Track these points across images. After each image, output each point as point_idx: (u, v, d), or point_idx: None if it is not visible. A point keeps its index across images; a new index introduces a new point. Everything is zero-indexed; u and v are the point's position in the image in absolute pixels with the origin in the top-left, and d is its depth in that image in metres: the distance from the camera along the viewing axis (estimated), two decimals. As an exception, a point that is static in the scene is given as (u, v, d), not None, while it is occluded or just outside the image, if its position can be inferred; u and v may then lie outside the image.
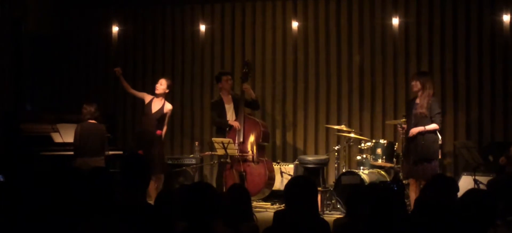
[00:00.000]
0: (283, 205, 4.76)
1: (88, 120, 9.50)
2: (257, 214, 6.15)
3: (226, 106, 10.23)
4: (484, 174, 9.56)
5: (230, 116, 10.16)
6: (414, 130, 8.71)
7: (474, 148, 9.54)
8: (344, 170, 10.15)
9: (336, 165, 10.35)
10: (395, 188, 4.46)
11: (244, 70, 10.27)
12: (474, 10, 10.72)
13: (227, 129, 10.04)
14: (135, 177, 4.50)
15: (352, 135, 10.29)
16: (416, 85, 8.82)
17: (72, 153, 9.60)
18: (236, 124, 10.00)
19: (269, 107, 11.62)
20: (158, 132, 9.68)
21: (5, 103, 11.38)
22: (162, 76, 11.87)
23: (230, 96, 10.22)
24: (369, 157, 10.04)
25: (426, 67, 10.62)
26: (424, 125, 8.70)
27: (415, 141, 8.74)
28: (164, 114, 9.74)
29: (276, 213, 4.70)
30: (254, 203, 9.76)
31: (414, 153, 8.72)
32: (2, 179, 9.13)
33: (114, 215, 4.05)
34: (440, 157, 9.14)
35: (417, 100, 8.85)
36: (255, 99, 10.41)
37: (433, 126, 8.73)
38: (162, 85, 9.80)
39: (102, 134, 9.62)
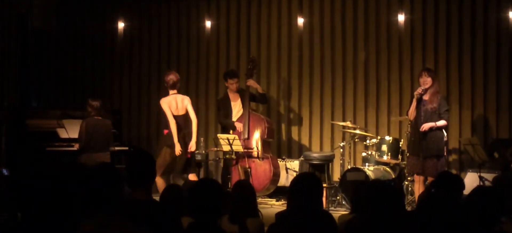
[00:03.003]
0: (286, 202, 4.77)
1: (94, 115, 9.51)
2: (262, 210, 6.15)
3: (232, 103, 10.26)
4: (489, 171, 9.56)
5: (237, 112, 10.19)
6: (427, 125, 8.74)
7: (479, 144, 9.53)
8: (349, 167, 10.16)
9: (341, 161, 10.36)
10: (392, 184, 4.45)
11: (249, 66, 10.29)
12: (479, 6, 10.70)
13: (231, 131, 10.06)
14: (140, 172, 4.51)
15: (357, 131, 10.29)
16: (427, 80, 8.82)
17: (77, 148, 9.63)
18: (239, 125, 10.02)
19: (274, 103, 11.62)
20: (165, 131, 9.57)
21: (11, 99, 11.40)
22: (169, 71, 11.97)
23: (237, 93, 10.24)
24: (374, 154, 10.03)
25: (432, 64, 10.61)
26: (434, 121, 8.75)
27: (426, 137, 8.75)
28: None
29: (278, 214, 4.70)
30: (259, 199, 9.76)
31: (425, 149, 8.73)
32: (6, 173, 9.18)
33: (120, 211, 4.06)
34: (445, 154, 9.15)
35: (426, 97, 8.86)
36: (263, 93, 10.43)
37: (443, 122, 8.82)
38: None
39: (108, 130, 9.63)
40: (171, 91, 9.36)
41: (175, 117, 9.25)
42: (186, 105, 9.36)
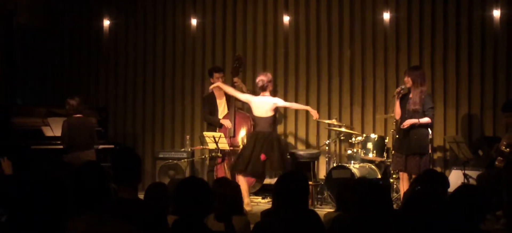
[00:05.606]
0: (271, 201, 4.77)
1: (73, 114, 9.53)
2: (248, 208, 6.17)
3: (218, 101, 10.25)
4: (473, 169, 9.61)
5: (222, 111, 10.18)
6: (408, 122, 8.80)
7: (463, 142, 9.58)
8: (334, 164, 10.18)
9: (327, 159, 10.39)
10: (381, 183, 4.47)
11: (235, 64, 10.28)
12: (464, 5, 10.75)
13: (218, 128, 10.05)
14: (126, 170, 4.51)
15: (342, 129, 10.32)
16: (408, 81, 8.96)
17: (62, 147, 9.61)
18: (226, 123, 10.00)
19: (260, 101, 11.61)
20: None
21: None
22: (153, 69, 11.96)
23: (222, 91, 10.21)
24: (359, 151, 10.07)
25: (417, 62, 10.64)
26: (417, 119, 8.81)
27: (408, 135, 8.81)
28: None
29: (264, 212, 4.72)
30: (245, 197, 9.76)
31: (407, 147, 8.79)
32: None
33: (106, 210, 4.05)
34: (430, 151, 9.20)
35: (411, 96, 8.95)
36: (247, 93, 10.43)
37: (426, 120, 8.88)
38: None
39: (91, 127, 9.66)
40: (261, 93, 9.36)
41: (255, 118, 9.30)
42: (276, 104, 9.31)
